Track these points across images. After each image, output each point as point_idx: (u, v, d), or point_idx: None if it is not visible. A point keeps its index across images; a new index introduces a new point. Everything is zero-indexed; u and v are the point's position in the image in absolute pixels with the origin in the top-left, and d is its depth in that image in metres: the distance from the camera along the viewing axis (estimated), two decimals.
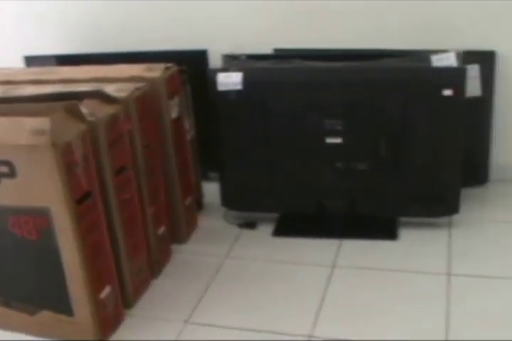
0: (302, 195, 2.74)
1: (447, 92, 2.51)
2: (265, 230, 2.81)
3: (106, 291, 2.19)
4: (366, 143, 2.64)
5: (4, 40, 3.40)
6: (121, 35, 3.22)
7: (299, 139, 2.66)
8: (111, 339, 2.22)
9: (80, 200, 2.03)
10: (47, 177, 1.95)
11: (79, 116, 2.06)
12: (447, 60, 2.64)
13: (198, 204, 2.96)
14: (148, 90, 2.43)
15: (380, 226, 2.78)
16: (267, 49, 3.00)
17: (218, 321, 2.28)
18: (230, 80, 2.60)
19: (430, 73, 2.60)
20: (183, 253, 2.69)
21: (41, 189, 1.97)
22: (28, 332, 2.25)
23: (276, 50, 3.00)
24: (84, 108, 2.11)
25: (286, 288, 2.43)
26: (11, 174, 1.98)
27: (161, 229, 2.57)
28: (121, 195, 2.26)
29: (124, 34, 3.22)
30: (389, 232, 2.73)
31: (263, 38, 3.04)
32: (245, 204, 2.84)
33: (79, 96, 2.18)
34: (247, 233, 2.81)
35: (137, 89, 2.37)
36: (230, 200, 2.84)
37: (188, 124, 2.78)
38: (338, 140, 2.62)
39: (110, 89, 2.31)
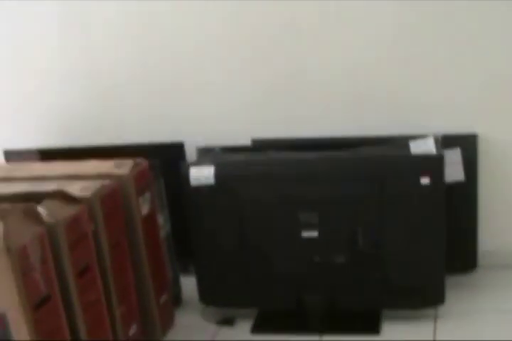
0: (280, 290, 2.66)
1: (424, 181, 2.48)
2: (244, 327, 2.72)
3: None
4: (343, 236, 2.58)
5: None
6: (103, 128, 3.21)
7: (275, 233, 2.61)
8: None
9: (38, 305, 1.96)
10: (1, 282, 1.89)
11: (36, 218, 2.02)
12: (425, 146, 2.60)
13: (176, 300, 2.88)
14: (115, 188, 2.40)
15: (362, 320, 2.68)
16: (246, 139, 2.99)
17: None
18: (202, 174, 2.56)
19: (406, 162, 2.55)
20: None
21: None
22: None
23: (254, 140, 2.99)
24: (44, 209, 2.08)
25: None
26: None
27: (132, 330, 2.48)
28: (84, 296, 2.19)
29: (106, 127, 3.21)
30: (371, 326, 2.63)
31: (241, 129, 3.04)
32: (223, 300, 2.76)
33: (40, 196, 2.15)
34: (225, 331, 2.72)
35: (103, 187, 2.33)
36: (207, 296, 2.76)
37: (161, 219, 2.74)
38: (314, 233, 2.56)
39: (75, 187, 2.28)
